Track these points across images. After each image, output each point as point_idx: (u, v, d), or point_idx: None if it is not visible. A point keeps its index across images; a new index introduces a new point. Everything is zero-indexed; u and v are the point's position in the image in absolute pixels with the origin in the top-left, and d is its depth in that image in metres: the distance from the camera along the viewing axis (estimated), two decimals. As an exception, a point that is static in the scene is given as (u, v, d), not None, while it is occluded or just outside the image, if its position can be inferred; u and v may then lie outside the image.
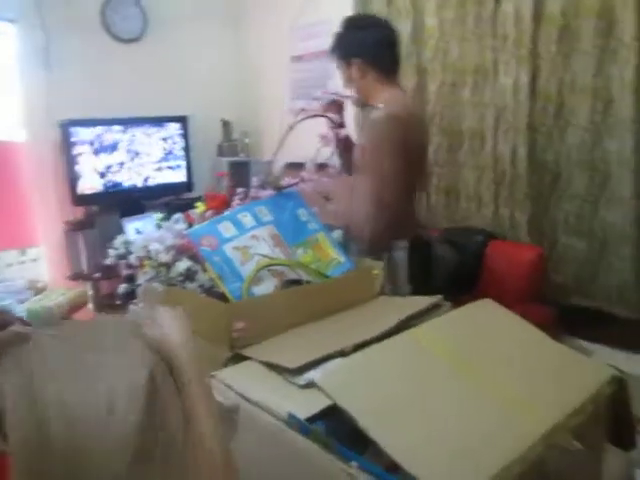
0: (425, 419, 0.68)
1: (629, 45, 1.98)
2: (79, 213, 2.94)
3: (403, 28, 2.57)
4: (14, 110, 2.83)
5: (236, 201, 1.28)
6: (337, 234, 1.29)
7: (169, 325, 0.66)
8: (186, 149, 3.19)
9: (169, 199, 3.03)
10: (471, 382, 0.75)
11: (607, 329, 2.33)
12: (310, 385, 0.76)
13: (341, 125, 1.45)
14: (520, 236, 2.34)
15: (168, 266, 1.10)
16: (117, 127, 2.89)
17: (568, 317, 2.31)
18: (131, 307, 1.23)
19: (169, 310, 0.69)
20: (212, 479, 0.56)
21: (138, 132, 2.97)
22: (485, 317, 0.90)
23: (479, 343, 0.83)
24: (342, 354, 0.83)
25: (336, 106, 1.48)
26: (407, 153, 1.46)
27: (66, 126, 2.78)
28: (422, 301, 1.01)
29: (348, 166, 1.51)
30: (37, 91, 2.78)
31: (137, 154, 2.99)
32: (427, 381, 0.73)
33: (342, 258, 1.21)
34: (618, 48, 2.03)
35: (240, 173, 3.29)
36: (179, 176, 3.18)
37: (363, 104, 1.64)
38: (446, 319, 0.89)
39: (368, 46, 1.60)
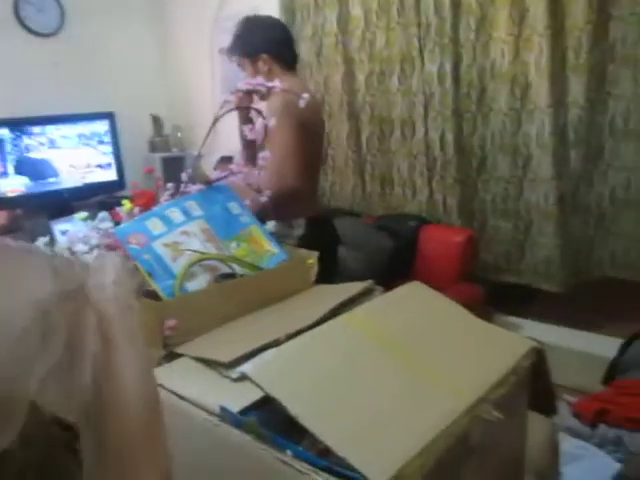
0: (355, 402, 0.69)
1: (542, 34, 2.09)
2: (2, 217, 2.78)
3: (330, 18, 2.59)
4: None
5: (165, 197, 1.25)
6: (270, 226, 1.29)
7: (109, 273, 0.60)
8: (115, 146, 3.08)
9: (100, 198, 2.92)
10: (400, 363, 0.77)
11: (534, 304, 2.47)
12: (243, 378, 0.76)
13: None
14: (452, 219, 2.43)
15: (94, 267, 1.06)
16: (38, 127, 2.75)
17: (499, 295, 2.43)
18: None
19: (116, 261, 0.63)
20: (133, 445, 0.49)
21: (62, 130, 2.83)
22: (414, 299, 0.93)
23: (408, 325, 0.86)
24: (276, 344, 0.84)
25: (249, 97, 1.51)
26: (305, 133, 1.67)
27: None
28: (354, 287, 1.03)
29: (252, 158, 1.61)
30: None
31: (62, 153, 2.86)
32: (358, 365, 0.75)
33: (276, 249, 1.22)
34: (532, 36, 2.13)
35: (174, 168, 3.21)
36: (110, 174, 3.07)
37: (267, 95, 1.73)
38: (376, 303, 0.92)
39: (272, 42, 1.81)
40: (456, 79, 2.30)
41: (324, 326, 0.80)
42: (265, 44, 1.80)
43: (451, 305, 0.94)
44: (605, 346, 2.12)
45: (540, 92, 2.16)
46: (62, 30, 2.99)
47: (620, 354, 1.93)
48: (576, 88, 2.11)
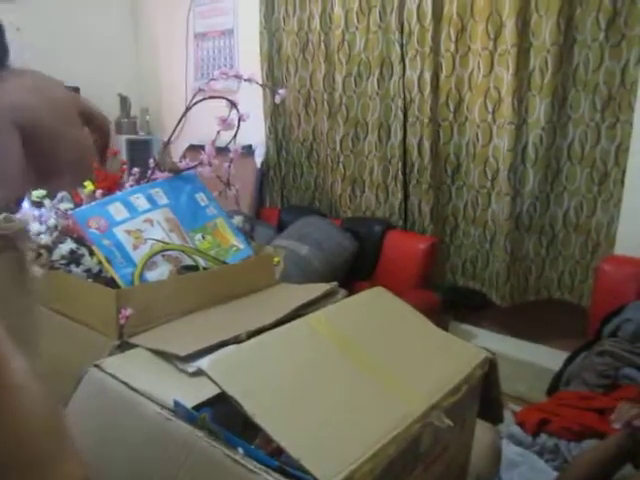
0: (310, 403, 0.69)
1: (509, 51, 2.14)
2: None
3: (315, 15, 2.58)
4: None
5: (130, 182, 1.22)
6: (237, 220, 1.28)
7: None
8: (79, 123, 2.97)
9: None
10: (358, 368, 0.78)
11: (488, 313, 2.55)
12: (199, 373, 0.75)
13: None
14: (425, 224, 2.47)
15: (49, 249, 1.03)
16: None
17: (458, 302, 2.49)
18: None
19: None
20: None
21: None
22: (376, 304, 0.94)
23: (368, 330, 0.87)
24: (236, 341, 0.83)
25: None
26: (30, 142, 1.62)
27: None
28: (318, 288, 1.03)
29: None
30: None
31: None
32: (317, 367, 0.75)
33: (242, 245, 1.20)
34: (504, 52, 2.18)
35: (140, 151, 3.15)
36: (70, 152, 2.97)
37: None
38: (339, 307, 0.92)
39: None
40: (435, 87, 2.34)
41: (285, 326, 0.80)
42: None
43: (412, 313, 0.95)
44: (552, 358, 2.19)
45: (505, 108, 2.21)
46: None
47: (564, 367, 2.00)
48: (539, 108, 2.17)
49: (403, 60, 2.39)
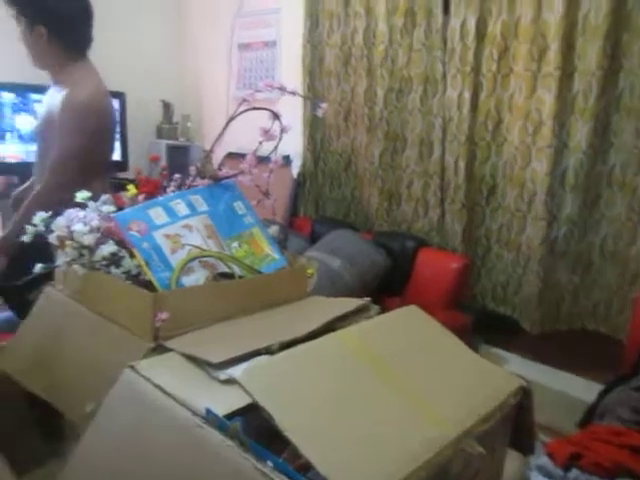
0: (341, 421, 0.69)
1: (552, 74, 2.11)
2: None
3: (359, 30, 2.61)
4: None
5: (171, 187, 1.24)
6: (273, 230, 1.29)
7: None
8: (122, 127, 3.07)
9: (101, 177, 2.90)
10: (390, 388, 0.77)
11: (520, 339, 2.49)
12: (231, 381, 0.75)
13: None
14: (456, 244, 2.45)
15: (91, 249, 1.05)
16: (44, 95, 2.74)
17: (489, 325, 2.44)
18: (46, 289, 1.17)
19: None
20: None
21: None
22: (410, 324, 0.93)
23: (401, 349, 0.86)
24: (268, 352, 0.83)
25: None
26: (91, 138, 1.57)
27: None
28: (351, 303, 1.02)
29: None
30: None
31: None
32: (348, 384, 0.75)
33: (276, 255, 1.21)
34: (547, 75, 2.15)
35: (179, 157, 3.21)
36: (114, 154, 3.05)
37: (46, 70, 1.66)
38: (372, 323, 0.92)
39: (55, 17, 1.54)
40: (475, 107, 2.32)
41: (318, 340, 0.80)
42: (45, 15, 1.53)
43: (446, 334, 0.94)
44: (584, 389, 2.13)
45: (546, 131, 2.18)
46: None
47: (599, 399, 1.94)
48: (581, 133, 2.13)
49: (444, 77, 2.39)
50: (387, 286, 2.36)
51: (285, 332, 0.89)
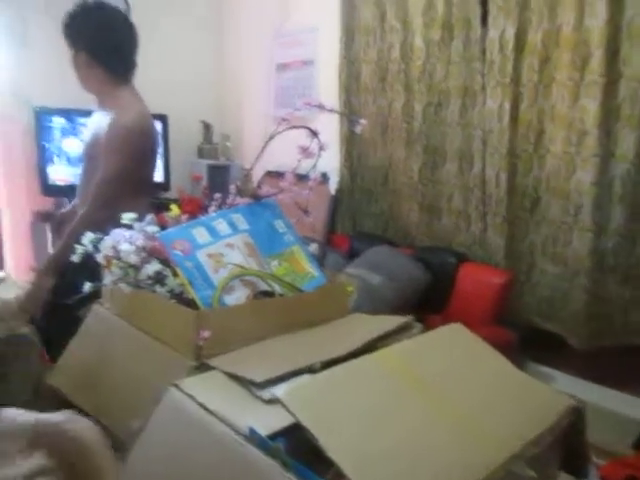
0: (385, 442, 0.68)
1: (596, 81, 2.05)
2: (48, 204, 2.88)
3: (395, 46, 2.61)
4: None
5: (213, 207, 1.26)
6: (313, 248, 1.29)
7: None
8: (164, 148, 3.16)
9: (144, 197, 2.99)
10: (436, 408, 0.75)
11: (568, 356, 2.40)
12: (274, 400, 0.75)
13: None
14: (498, 258, 2.39)
15: (137, 268, 1.08)
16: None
17: (534, 341, 2.36)
18: (94, 307, 1.21)
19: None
20: None
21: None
22: (454, 342, 0.91)
23: (446, 368, 0.84)
24: (310, 371, 0.83)
25: None
26: (135, 160, 1.63)
27: (40, 113, 2.72)
28: (393, 321, 1.01)
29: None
30: (11, 74, 2.72)
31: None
32: (393, 405, 0.73)
33: (316, 273, 1.21)
34: (591, 83, 2.10)
35: (219, 176, 3.27)
36: (156, 175, 3.14)
37: (94, 95, 1.73)
38: (415, 342, 0.90)
39: (100, 45, 1.62)
40: (515, 118, 2.28)
41: (361, 359, 0.79)
42: (88, 41, 1.61)
43: (492, 353, 0.91)
44: (638, 409, 2.03)
45: (591, 140, 2.12)
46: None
47: (655, 420, 1.84)
48: (628, 141, 2.06)
49: (484, 89, 2.36)
50: (427, 302, 2.32)
51: (327, 351, 0.88)
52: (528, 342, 2.32)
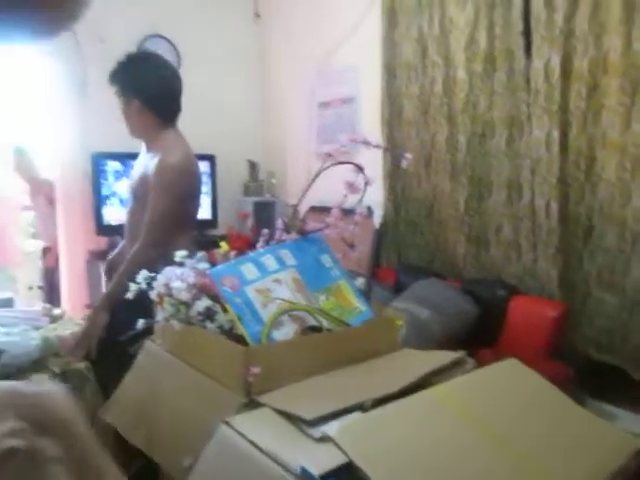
0: (444, 485, 0.65)
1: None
2: (102, 243, 2.99)
3: (437, 80, 2.62)
4: (49, 143, 2.94)
5: (260, 243, 1.28)
6: (359, 282, 1.28)
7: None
8: (212, 187, 3.25)
9: (193, 235, 3.06)
10: (495, 447, 0.72)
11: (631, 392, 2.25)
12: (325, 439, 0.74)
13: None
14: (552, 289, 2.30)
15: (188, 304, 1.10)
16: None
17: (592, 376, 2.24)
18: (146, 343, 1.23)
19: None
20: None
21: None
22: (511, 378, 0.87)
23: (503, 407, 0.80)
24: (361, 408, 0.81)
25: None
26: (182, 199, 1.70)
27: (97, 158, 2.86)
28: (445, 357, 0.98)
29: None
30: (72, 122, 2.89)
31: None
32: (447, 445, 0.70)
33: (364, 307, 1.20)
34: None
35: (264, 213, 3.33)
36: (204, 213, 3.22)
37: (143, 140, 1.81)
38: (470, 379, 0.87)
39: (151, 93, 1.71)
40: (564, 146, 2.23)
41: (414, 397, 0.77)
42: (141, 89, 1.70)
43: (551, 390, 0.87)
44: None
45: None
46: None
47: None
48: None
49: (529, 119, 2.32)
50: (477, 336, 2.24)
51: (377, 387, 0.87)
52: (586, 377, 2.20)
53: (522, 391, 0.85)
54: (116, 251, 1.99)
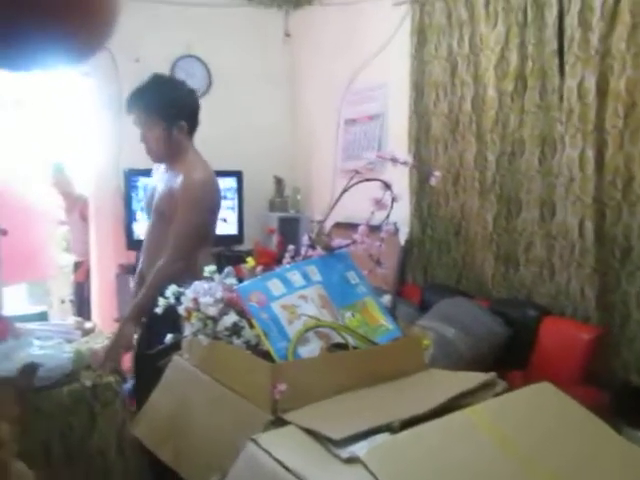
0: (476, 512, 0.63)
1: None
2: (132, 258, 3.04)
3: (466, 97, 2.61)
4: (85, 160, 3.02)
5: (287, 258, 1.28)
6: (386, 299, 1.27)
7: None
8: (239, 203, 3.28)
9: (219, 250, 3.09)
10: (527, 473, 0.69)
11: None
12: (353, 460, 0.72)
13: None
14: (589, 311, 2.23)
15: (215, 319, 1.10)
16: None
17: (631, 403, 2.15)
18: (174, 358, 1.24)
19: None
20: None
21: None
22: (544, 403, 0.85)
23: (536, 432, 0.78)
24: (389, 429, 0.80)
25: None
26: (205, 214, 1.76)
27: (129, 174, 2.92)
28: (475, 378, 0.96)
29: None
30: (106, 140, 2.97)
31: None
32: (479, 469, 0.68)
33: (390, 325, 1.18)
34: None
35: (289, 228, 3.34)
36: (230, 228, 3.25)
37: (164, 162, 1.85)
38: (502, 402, 0.84)
39: (191, 112, 1.80)
40: (600, 166, 2.18)
41: (444, 419, 0.75)
42: (165, 113, 1.74)
43: (586, 415, 0.84)
44: None
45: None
46: (207, 94, 3.30)
47: None
48: None
49: (562, 138, 2.29)
50: (506, 358, 2.19)
51: (405, 408, 0.85)
52: (626, 404, 2.12)
53: (555, 416, 0.82)
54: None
